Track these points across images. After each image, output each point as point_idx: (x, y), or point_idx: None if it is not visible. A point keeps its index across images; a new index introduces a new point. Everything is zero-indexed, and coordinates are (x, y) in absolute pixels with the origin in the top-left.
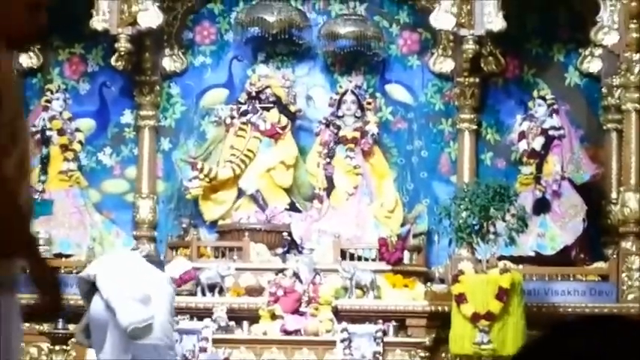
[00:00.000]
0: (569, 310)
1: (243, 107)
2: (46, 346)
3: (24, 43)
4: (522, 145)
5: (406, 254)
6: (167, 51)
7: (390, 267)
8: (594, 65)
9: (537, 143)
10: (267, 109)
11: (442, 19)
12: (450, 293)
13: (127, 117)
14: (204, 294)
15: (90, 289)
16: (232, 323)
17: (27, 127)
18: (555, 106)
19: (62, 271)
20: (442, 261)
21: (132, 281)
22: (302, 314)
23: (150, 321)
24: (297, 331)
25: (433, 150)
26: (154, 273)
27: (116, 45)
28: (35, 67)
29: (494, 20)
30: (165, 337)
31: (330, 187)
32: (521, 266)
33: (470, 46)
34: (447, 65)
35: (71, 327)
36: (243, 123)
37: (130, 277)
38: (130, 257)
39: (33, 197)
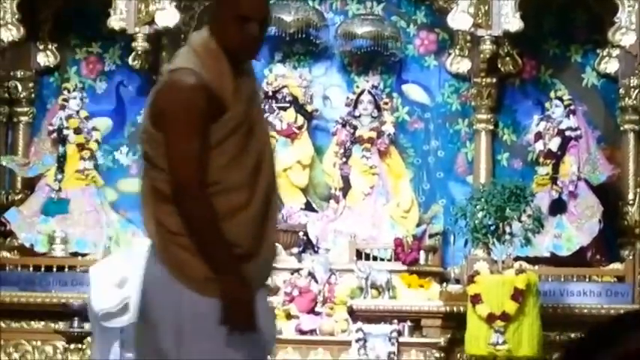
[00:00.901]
0: (585, 311)
1: None
2: (61, 344)
3: (241, 55)
4: (539, 146)
5: (422, 254)
6: None
7: (405, 267)
8: (612, 66)
9: (554, 144)
10: (284, 108)
11: (459, 19)
12: (465, 294)
13: None
14: None
15: None
16: None
17: (265, 129)
18: (572, 107)
19: (78, 270)
20: (458, 261)
21: (113, 266)
22: (317, 314)
23: (125, 301)
24: (312, 331)
25: (449, 150)
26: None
27: (133, 44)
28: (52, 65)
29: (511, 21)
30: None
31: (346, 187)
32: (536, 267)
33: (487, 47)
34: (464, 65)
35: (87, 326)
36: None
37: (114, 263)
38: (137, 244)
39: (269, 201)
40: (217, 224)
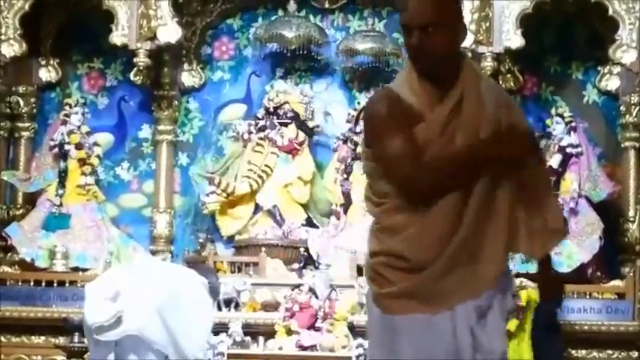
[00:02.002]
0: (585, 327)
1: (261, 123)
2: (62, 359)
3: (415, 65)
4: None
5: None
6: (186, 66)
7: None
8: (612, 83)
9: (555, 161)
10: (285, 124)
11: None
12: None
13: (145, 132)
14: (220, 309)
15: None
16: (248, 338)
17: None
18: (573, 124)
19: (79, 285)
20: None
21: (107, 281)
22: (318, 330)
23: (118, 314)
24: (312, 347)
25: None
26: (157, 273)
27: (135, 60)
28: (54, 81)
29: (512, 38)
30: (143, 329)
31: (347, 203)
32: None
33: (488, 64)
34: None
35: (87, 341)
36: (261, 138)
37: (109, 277)
38: (136, 259)
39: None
40: (452, 161)
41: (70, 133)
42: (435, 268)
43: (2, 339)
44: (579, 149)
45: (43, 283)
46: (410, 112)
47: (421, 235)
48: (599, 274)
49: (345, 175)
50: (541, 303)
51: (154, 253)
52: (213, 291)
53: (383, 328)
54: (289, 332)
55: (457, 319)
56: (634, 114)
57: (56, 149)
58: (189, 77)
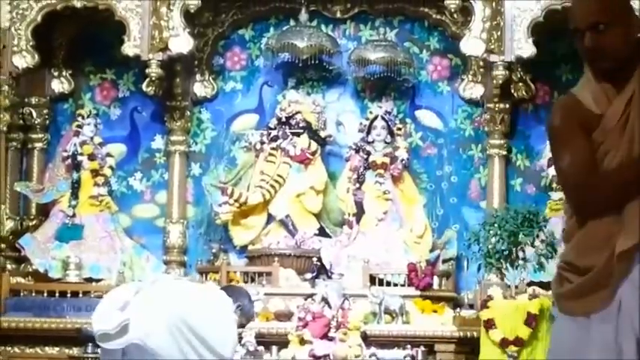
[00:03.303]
0: None
1: (274, 133)
2: None
3: (590, 66)
4: (552, 171)
5: (435, 280)
6: (198, 76)
7: (419, 292)
8: None
9: None
10: (298, 134)
11: (472, 45)
12: (478, 319)
13: (158, 142)
14: None
15: None
16: (261, 348)
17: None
18: None
19: (92, 296)
20: (471, 286)
21: (119, 292)
22: (331, 339)
23: (124, 323)
24: (325, 356)
25: (463, 176)
26: (174, 288)
27: (147, 70)
28: (67, 92)
29: (524, 46)
30: (146, 337)
31: (359, 212)
32: (550, 292)
33: (500, 72)
34: (477, 91)
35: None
36: (273, 148)
37: (121, 289)
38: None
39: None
40: (622, 186)
41: (83, 144)
42: (597, 272)
43: (16, 350)
44: None
45: (57, 294)
46: (588, 116)
47: (584, 240)
48: None
49: (357, 185)
50: None
51: (167, 263)
52: (245, 313)
53: (557, 330)
54: (302, 342)
55: (619, 332)
56: None
57: (69, 160)
58: (201, 88)
